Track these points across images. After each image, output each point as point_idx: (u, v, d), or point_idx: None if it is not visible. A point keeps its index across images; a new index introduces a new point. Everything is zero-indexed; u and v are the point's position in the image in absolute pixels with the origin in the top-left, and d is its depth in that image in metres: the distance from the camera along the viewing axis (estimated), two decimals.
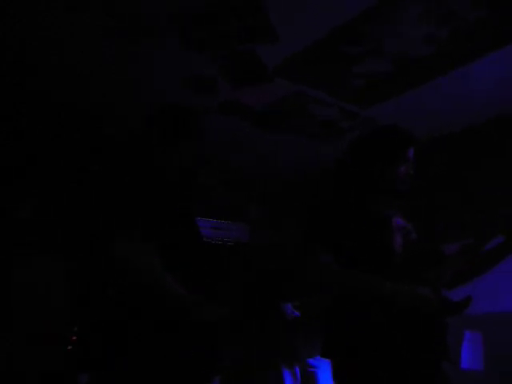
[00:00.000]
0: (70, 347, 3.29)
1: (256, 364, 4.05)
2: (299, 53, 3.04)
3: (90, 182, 3.60)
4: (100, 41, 2.93)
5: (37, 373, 3.20)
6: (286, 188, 4.96)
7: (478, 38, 2.90)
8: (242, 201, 4.88)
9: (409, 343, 1.68)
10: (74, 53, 3.05)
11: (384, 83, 3.40)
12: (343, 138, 4.09)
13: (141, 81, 3.38)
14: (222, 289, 1.81)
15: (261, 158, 4.58)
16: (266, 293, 3.93)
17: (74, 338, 3.29)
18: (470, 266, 1.89)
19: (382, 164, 1.91)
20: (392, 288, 1.70)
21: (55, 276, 3.43)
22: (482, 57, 3.07)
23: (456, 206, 3.90)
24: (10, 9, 2.68)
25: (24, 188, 3.56)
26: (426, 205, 2.97)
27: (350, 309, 1.77)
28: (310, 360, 3.57)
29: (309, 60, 3.12)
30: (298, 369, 3.60)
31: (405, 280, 1.72)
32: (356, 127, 3.97)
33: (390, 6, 2.67)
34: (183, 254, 1.65)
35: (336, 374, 1.82)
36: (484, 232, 1.87)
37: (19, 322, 3.29)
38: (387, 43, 2.98)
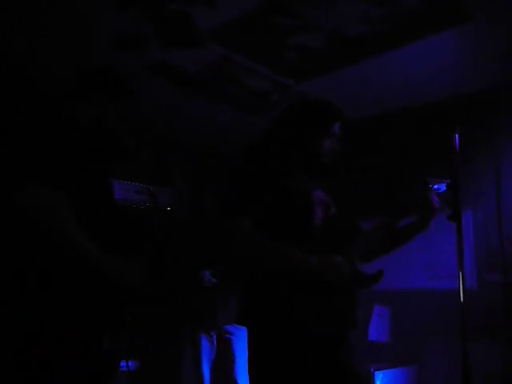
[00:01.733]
0: None
1: (172, 330, 4.05)
2: (234, 19, 2.98)
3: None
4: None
5: None
6: (211, 157, 4.93)
7: (413, 22, 2.96)
8: (167, 167, 4.80)
9: (319, 313, 1.72)
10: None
11: (318, 59, 3.42)
12: (274, 111, 4.09)
13: (74, 39, 3.20)
14: (137, 253, 1.75)
15: (188, 125, 4.50)
16: (185, 260, 3.91)
17: None
18: (383, 241, 1.95)
19: (307, 136, 1.91)
20: (306, 259, 1.72)
21: None
22: (415, 42, 3.14)
23: (375, 184, 4.03)
24: None
25: None
26: (346, 180, 3.05)
27: (264, 278, 1.78)
28: (227, 327, 3.61)
29: (244, 27, 3.07)
30: (214, 335, 3.64)
31: (323, 253, 1.75)
32: (287, 101, 3.97)
33: None
34: (91, 214, 1.57)
35: (248, 341, 1.84)
36: (398, 210, 1.94)
37: None
38: (323, 18, 2.98)
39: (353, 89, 3.79)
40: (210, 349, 3.61)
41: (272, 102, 4.04)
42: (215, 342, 3.64)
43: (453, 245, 1.99)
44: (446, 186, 1.95)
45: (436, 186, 1.95)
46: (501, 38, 3.09)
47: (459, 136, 2.00)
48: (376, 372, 3.34)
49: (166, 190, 4.49)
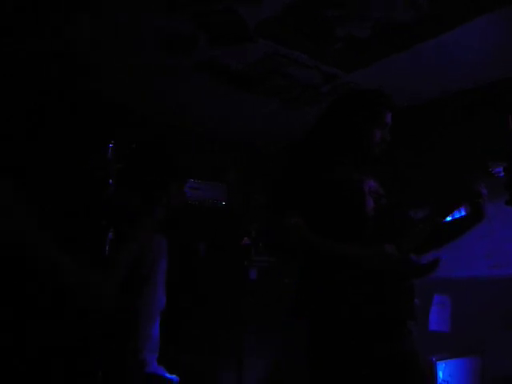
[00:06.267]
0: None
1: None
2: (281, 12, 2.99)
3: None
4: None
5: None
6: (263, 151, 4.97)
7: (461, 4, 2.88)
8: (220, 163, 4.87)
9: (375, 304, 1.71)
10: None
11: (366, 48, 3.37)
12: (324, 102, 4.08)
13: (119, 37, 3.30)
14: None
15: (239, 121, 4.55)
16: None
17: None
18: (431, 235, 1.89)
19: (358, 126, 1.89)
20: (359, 249, 1.71)
21: None
22: (464, 24, 3.05)
23: (426, 175, 3.92)
24: None
25: None
26: (398, 171, 2.98)
27: (316, 271, 1.79)
28: None
29: (290, 20, 3.07)
30: None
31: (375, 243, 1.74)
32: (337, 92, 3.95)
33: None
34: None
35: (307, 333, 1.85)
36: (448, 203, 1.88)
37: None
38: (369, 7, 2.94)
39: (403, 76, 3.71)
40: None
41: (321, 94, 4.02)
42: None
43: None
44: (503, 170, 1.90)
45: (497, 170, 1.90)
46: None
47: None
48: (438, 362, 3.28)
49: (219, 185, 4.56)
